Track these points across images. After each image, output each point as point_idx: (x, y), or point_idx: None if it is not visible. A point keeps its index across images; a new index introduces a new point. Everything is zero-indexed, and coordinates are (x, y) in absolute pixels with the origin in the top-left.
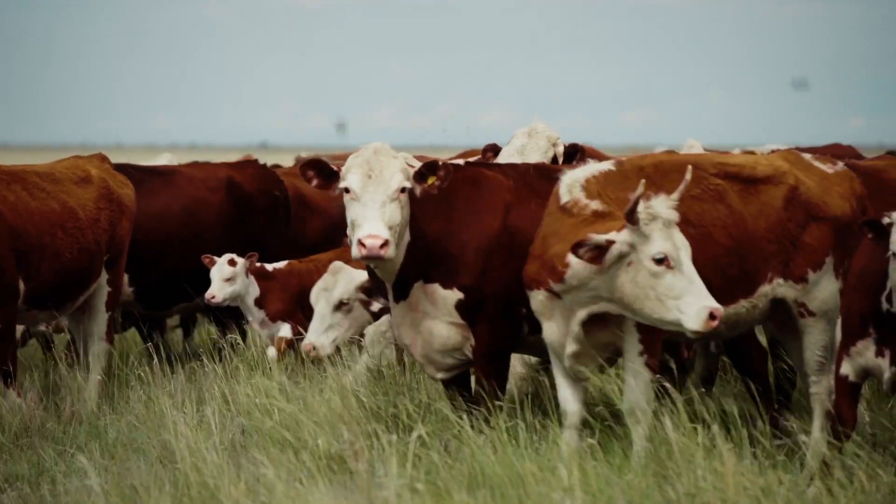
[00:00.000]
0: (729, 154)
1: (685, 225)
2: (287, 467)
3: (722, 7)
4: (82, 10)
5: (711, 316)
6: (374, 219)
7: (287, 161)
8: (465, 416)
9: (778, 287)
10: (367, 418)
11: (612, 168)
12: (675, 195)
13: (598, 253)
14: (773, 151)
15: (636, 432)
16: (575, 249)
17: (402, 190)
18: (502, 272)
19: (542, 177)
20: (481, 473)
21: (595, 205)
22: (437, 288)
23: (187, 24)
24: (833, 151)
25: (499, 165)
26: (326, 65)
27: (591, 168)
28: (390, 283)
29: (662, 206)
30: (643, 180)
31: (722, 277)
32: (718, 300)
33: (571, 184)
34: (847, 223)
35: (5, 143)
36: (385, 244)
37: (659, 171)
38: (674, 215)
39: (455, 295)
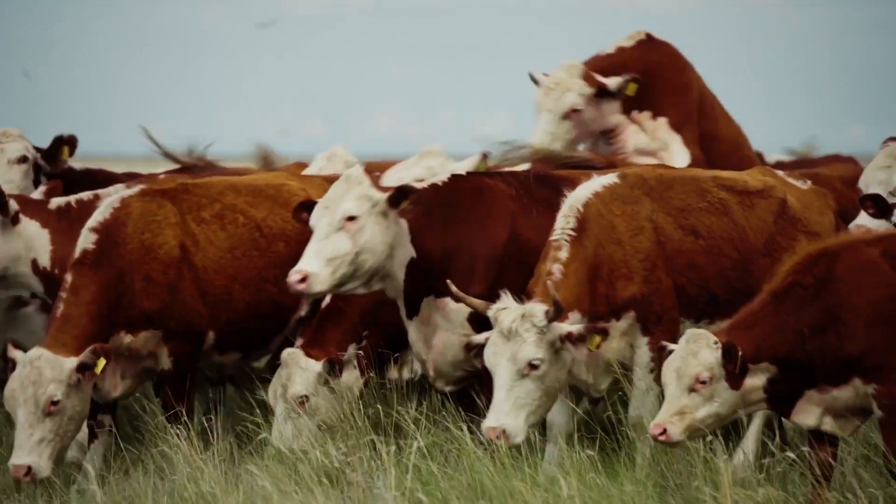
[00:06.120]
0: (717, 170)
1: (695, 237)
2: (284, 479)
3: (720, 14)
4: (79, 17)
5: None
6: (308, 253)
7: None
8: (464, 427)
9: None
10: (365, 429)
11: (618, 181)
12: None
13: None
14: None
15: (641, 443)
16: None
17: (351, 218)
18: (512, 282)
19: (541, 184)
20: (480, 485)
21: (562, 254)
22: (448, 302)
23: (185, 31)
24: (833, 162)
25: (499, 174)
26: (324, 72)
27: (597, 183)
28: (401, 301)
29: (508, 316)
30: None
31: (728, 290)
32: (723, 313)
33: (569, 210)
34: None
35: None
36: (303, 280)
37: (661, 184)
38: (511, 324)
39: (467, 308)
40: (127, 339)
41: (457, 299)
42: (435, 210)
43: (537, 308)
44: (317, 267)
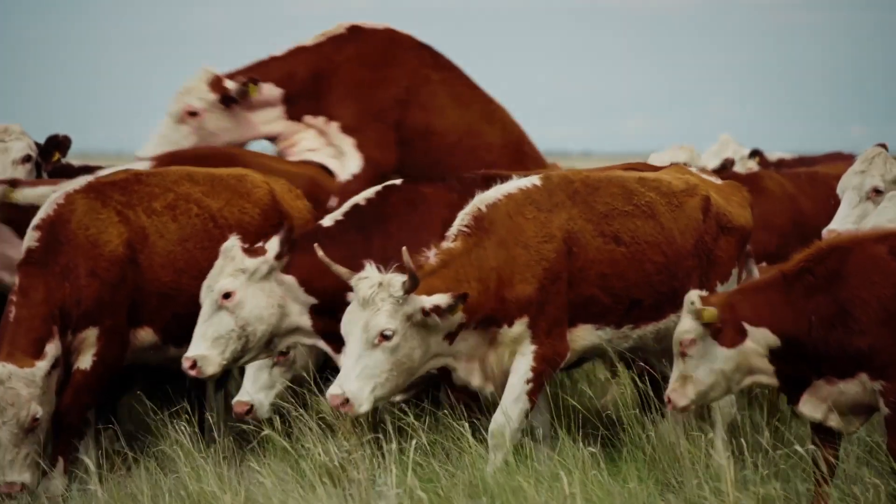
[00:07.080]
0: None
1: (616, 244)
2: (286, 476)
3: (723, 15)
4: (80, 14)
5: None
6: (195, 337)
7: None
8: (466, 425)
9: None
10: (367, 426)
11: (538, 183)
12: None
13: None
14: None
15: (495, 455)
16: None
17: (227, 295)
18: None
19: (490, 188)
20: (482, 482)
21: (446, 244)
22: None
23: (186, 29)
24: (834, 161)
25: (444, 179)
26: None
27: (513, 185)
28: (322, 342)
29: (365, 284)
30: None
31: (653, 294)
32: (649, 316)
33: (469, 209)
34: (749, 232)
35: None
36: (192, 366)
37: (587, 186)
38: (369, 292)
39: None
40: (70, 337)
41: (323, 265)
42: (365, 225)
43: (396, 278)
44: (204, 350)
